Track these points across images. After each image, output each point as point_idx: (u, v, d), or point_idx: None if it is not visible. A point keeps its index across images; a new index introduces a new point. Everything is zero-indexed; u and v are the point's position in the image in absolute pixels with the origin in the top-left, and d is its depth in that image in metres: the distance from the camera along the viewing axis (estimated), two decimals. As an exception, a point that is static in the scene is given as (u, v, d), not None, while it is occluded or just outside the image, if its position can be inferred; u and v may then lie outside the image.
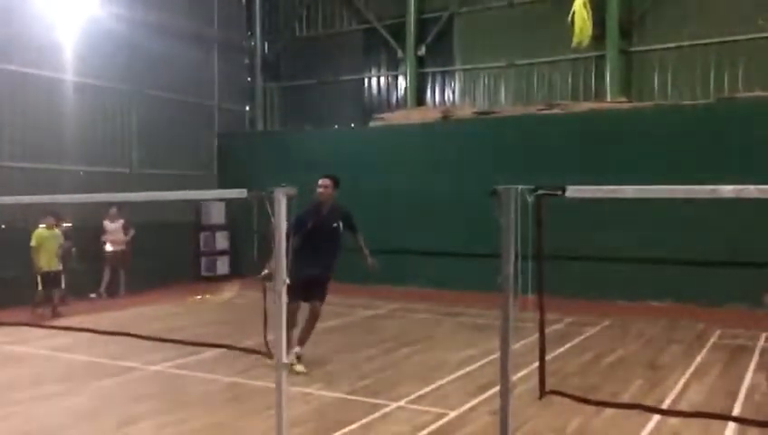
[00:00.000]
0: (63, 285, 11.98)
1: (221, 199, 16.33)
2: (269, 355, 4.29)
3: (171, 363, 8.05)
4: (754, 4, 13.36)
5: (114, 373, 7.74)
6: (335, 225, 7.81)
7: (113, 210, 13.82)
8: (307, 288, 7.56)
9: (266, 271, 6.51)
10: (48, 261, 11.57)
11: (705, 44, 13.76)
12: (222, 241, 16.79)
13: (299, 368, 7.52)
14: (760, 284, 11.15)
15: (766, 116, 11.80)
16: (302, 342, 7.73)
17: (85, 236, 13.45)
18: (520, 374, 6.27)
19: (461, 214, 13.56)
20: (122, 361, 8.16)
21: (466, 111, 15.46)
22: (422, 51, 16.71)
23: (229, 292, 9.00)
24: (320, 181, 7.79)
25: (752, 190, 3.10)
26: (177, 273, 15.61)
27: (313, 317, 7.83)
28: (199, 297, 13.93)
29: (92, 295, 13.62)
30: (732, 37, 13.50)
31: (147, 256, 14.22)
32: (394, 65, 17.43)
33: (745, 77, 13.46)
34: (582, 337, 9.66)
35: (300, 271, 6.99)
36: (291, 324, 7.34)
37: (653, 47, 14.30)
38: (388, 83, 17.69)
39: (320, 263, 7.72)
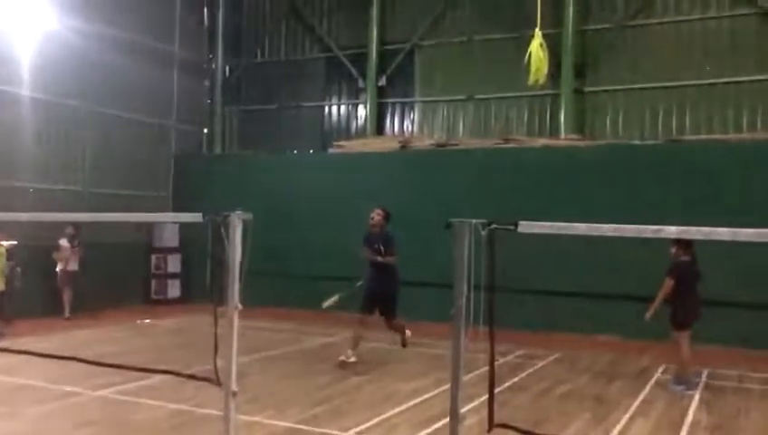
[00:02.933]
0: (6, 306, 11.59)
1: (175, 222, 16.12)
2: (217, 383, 4.22)
3: (115, 389, 7.84)
4: (702, 51, 13.95)
5: (55, 398, 7.50)
6: (376, 245, 9.46)
7: (70, 230, 13.46)
8: (374, 300, 9.41)
9: (336, 298, 9.57)
10: (-8, 280, 11.20)
11: (655, 88, 14.28)
12: (174, 264, 16.51)
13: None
14: (703, 320, 11.44)
15: (711, 158, 12.27)
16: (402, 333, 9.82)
17: (33, 255, 13.07)
18: (470, 406, 6.29)
19: (416, 244, 13.61)
20: (64, 385, 7.91)
21: (425, 142, 15.65)
22: (383, 81, 16.91)
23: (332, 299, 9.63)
24: (374, 210, 9.64)
25: (693, 231, 3.22)
26: (126, 295, 15.26)
27: (395, 328, 9.74)
28: (148, 321, 13.64)
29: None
30: (680, 82, 14.04)
31: (95, 277, 13.86)
32: (354, 94, 17.57)
33: (692, 120, 13.98)
34: (532, 370, 9.76)
35: (367, 286, 9.53)
36: (358, 331, 9.40)
37: (605, 88, 14.77)
38: (348, 112, 17.81)
39: (376, 278, 9.45)
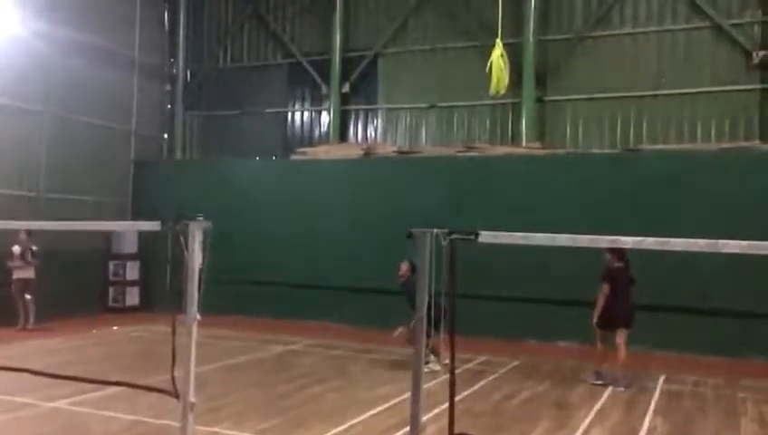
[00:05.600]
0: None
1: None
2: (175, 394, 4.15)
3: (70, 400, 7.65)
4: (658, 63, 14.28)
5: (8, 409, 7.29)
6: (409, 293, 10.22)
7: (23, 235, 13.09)
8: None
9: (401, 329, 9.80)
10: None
11: (613, 98, 14.55)
12: (133, 271, 16.19)
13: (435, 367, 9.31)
14: (658, 327, 11.71)
15: (667, 167, 12.55)
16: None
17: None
18: (432, 413, 6.33)
19: (379, 251, 13.63)
20: (16, 396, 7.69)
21: (388, 150, 15.69)
22: (346, 88, 16.88)
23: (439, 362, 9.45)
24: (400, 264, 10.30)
25: (649, 241, 3.29)
26: (83, 303, 14.89)
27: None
28: (105, 329, 13.37)
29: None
30: (637, 93, 14.35)
31: (51, 285, 13.49)
32: (318, 100, 17.53)
33: (649, 130, 14.29)
34: (493, 377, 9.83)
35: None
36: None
37: (565, 97, 15.00)
38: (311, 118, 17.76)
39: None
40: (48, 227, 12.10)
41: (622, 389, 9.03)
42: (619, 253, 9.25)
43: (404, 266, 10.26)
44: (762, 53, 13.31)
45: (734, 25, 13.68)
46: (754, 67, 13.48)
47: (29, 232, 12.98)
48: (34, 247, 13.16)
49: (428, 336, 10.16)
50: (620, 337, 9.29)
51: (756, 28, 13.63)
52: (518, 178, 13.47)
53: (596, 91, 14.70)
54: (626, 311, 9.31)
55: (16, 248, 13.12)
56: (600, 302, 9.29)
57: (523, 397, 8.65)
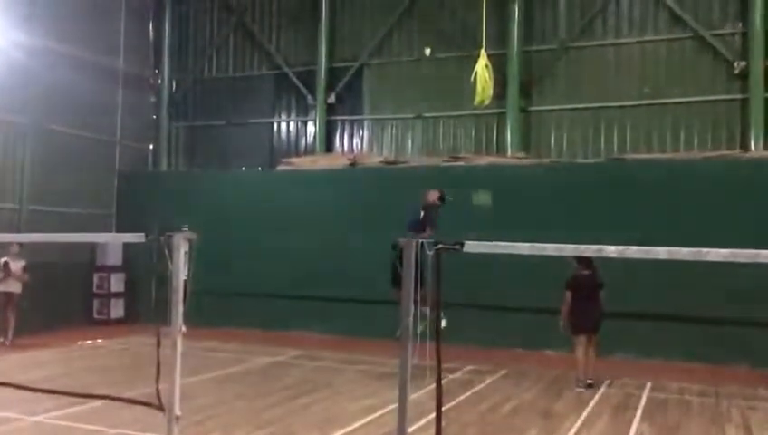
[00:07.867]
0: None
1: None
2: (160, 407, 4.12)
3: (54, 414, 7.55)
4: (641, 74, 14.43)
5: (-11, 425, 7.19)
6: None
7: (15, 248, 12.88)
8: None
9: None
10: None
11: (597, 108, 14.67)
12: (118, 283, 16.05)
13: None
14: (644, 335, 11.78)
15: (651, 175, 12.66)
16: None
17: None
18: (418, 424, 6.32)
19: (365, 261, 13.61)
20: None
21: (374, 160, 15.71)
22: (332, 98, 16.90)
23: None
24: None
25: (633, 250, 3.31)
26: (67, 316, 14.75)
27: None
28: (90, 342, 13.23)
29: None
30: (621, 102, 14.47)
31: (35, 297, 13.34)
32: (304, 111, 17.52)
33: (633, 139, 14.40)
34: (481, 386, 9.82)
35: None
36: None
37: (550, 108, 15.10)
38: (297, 129, 17.74)
39: None
40: (32, 239, 12.00)
41: (605, 384, 9.48)
42: (586, 261, 9.50)
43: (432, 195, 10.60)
44: (742, 63, 13.49)
45: (715, 36, 13.85)
46: (735, 77, 13.65)
47: (21, 245, 12.79)
48: (23, 262, 12.87)
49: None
50: (590, 341, 9.66)
51: (737, 39, 13.81)
52: (503, 188, 13.52)
53: (580, 101, 14.81)
54: (594, 316, 9.64)
55: (10, 261, 12.85)
56: (564, 309, 9.61)
57: (511, 406, 8.65)
